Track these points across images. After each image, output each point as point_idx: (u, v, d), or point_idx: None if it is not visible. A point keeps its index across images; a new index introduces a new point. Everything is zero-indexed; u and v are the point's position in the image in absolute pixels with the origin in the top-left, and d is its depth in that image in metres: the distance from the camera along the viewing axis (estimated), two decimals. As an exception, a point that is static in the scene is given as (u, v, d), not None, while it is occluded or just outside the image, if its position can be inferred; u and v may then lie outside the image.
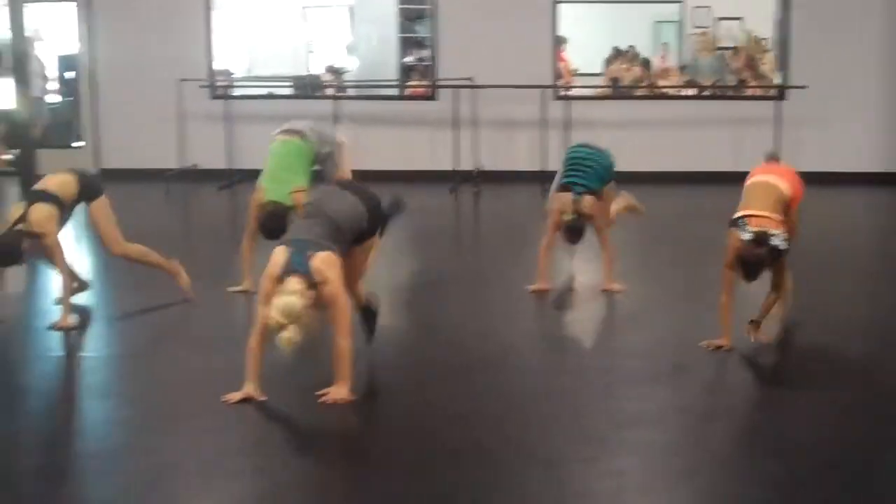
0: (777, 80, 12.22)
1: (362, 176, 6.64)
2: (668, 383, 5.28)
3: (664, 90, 12.89)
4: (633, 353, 5.77)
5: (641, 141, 11.67)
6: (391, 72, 13.98)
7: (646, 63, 13.64)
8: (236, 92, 12.62)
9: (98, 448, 4.55)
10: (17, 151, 11.01)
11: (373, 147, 10.32)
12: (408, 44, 14.39)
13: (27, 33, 10.79)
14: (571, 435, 4.62)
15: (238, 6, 14.07)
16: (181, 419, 4.79)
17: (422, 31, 13.69)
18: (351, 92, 13.08)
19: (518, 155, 11.85)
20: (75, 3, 12.20)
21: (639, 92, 12.95)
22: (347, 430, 4.72)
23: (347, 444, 4.60)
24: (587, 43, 13.91)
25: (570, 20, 12.39)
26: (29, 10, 10.79)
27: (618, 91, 12.97)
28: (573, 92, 12.23)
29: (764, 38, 13.22)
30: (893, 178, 11.60)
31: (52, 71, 13.95)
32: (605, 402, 5.06)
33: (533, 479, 4.12)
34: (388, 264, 7.15)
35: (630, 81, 13.21)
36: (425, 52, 13.15)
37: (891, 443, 4.54)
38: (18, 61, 10.03)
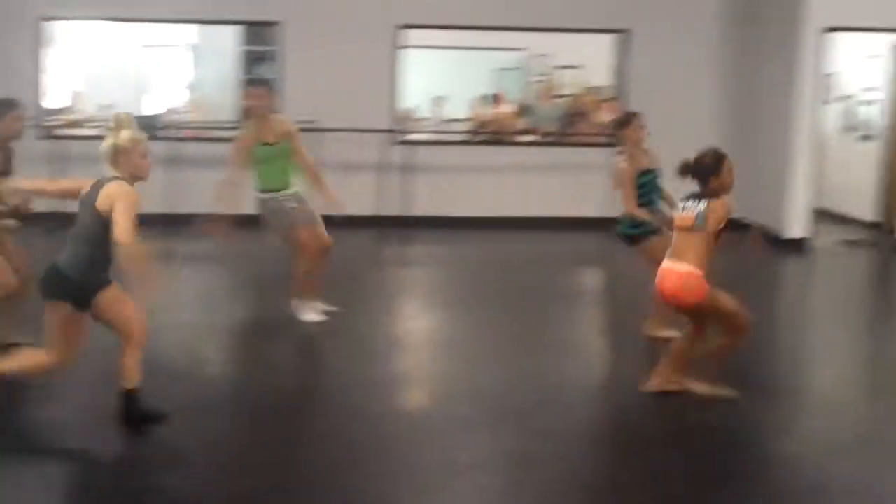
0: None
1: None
2: (498, 429, 5.30)
3: (503, 136, 13.08)
4: (463, 398, 5.79)
5: (483, 186, 11.88)
6: (231, 113, 13.81)
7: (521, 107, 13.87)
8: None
9: None
10: None
11: (205, 190, 10.07)
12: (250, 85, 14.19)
13: None
14: (402, 483, 4.59)
15: (78, 42, 13.77)
16: None
17: (264, 72, 13.56)
18: (188, 133, 12.80)
19: (357, 199, 11.85)
20: None
21: (479, 138, 13.11)
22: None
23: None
24: (429, 89, 14.04)
25: (413, 66, 12.48)
26: None
27: (461, 136, 13.11)
28: (414, 137, 12.29)
29: (601, 87, 13.57)
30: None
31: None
32: (436, 449, 5.04)
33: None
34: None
35: (497, 126, 13.37)
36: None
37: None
38: None
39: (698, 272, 5.48)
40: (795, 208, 11.02)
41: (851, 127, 13.41)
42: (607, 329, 7.96)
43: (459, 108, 13.86)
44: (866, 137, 12.95)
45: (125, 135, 4.88)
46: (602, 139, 12.44)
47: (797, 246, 10.91)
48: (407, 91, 12.35)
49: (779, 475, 4.82)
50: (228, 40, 14.50)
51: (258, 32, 13.75)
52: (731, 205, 5.59)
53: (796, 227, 11.07)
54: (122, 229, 4.64)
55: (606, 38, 12.44)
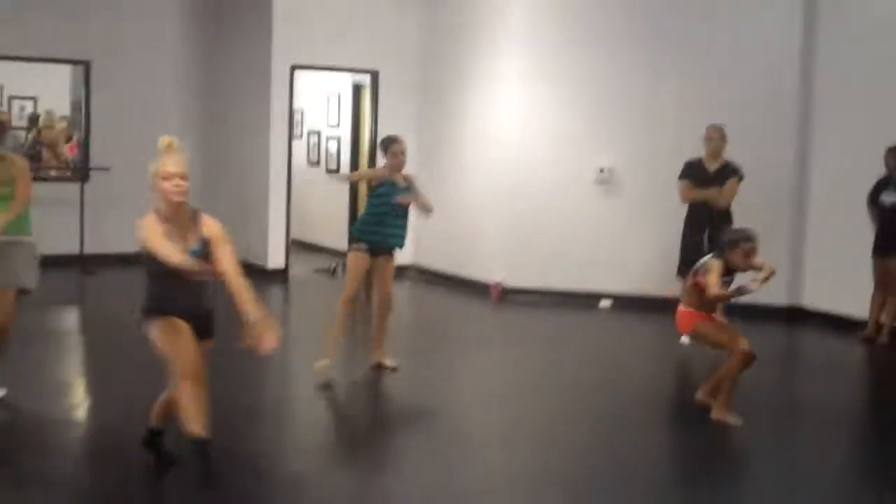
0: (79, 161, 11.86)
1: None
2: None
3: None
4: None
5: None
6: None
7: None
8: None
9: None
10: None
11: None
12: None
13: None
14: None
15: None
16: None
17: None
18: None
19: None
20: None
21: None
22: None
23: None
24: None
25: None
26: None
27: None
28: None
29: (63, 118, 12.81)
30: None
31: None
32: None
33: None
34: None
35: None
36: None
37: None
38: None
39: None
40: (275, 240, 11.12)
41: (318, 161, 13.87)
42: (93, 369, 7.42)
43: None
44: (332, 171, 13.45)
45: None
46: (68, 173, 11.76)
47: (279, 276, 11.01)
48: None
49: (288, 496, 4.83)
50: None
51: None
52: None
53: (276, 257, 11.18)
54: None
55: (65, 69, 11.71)
